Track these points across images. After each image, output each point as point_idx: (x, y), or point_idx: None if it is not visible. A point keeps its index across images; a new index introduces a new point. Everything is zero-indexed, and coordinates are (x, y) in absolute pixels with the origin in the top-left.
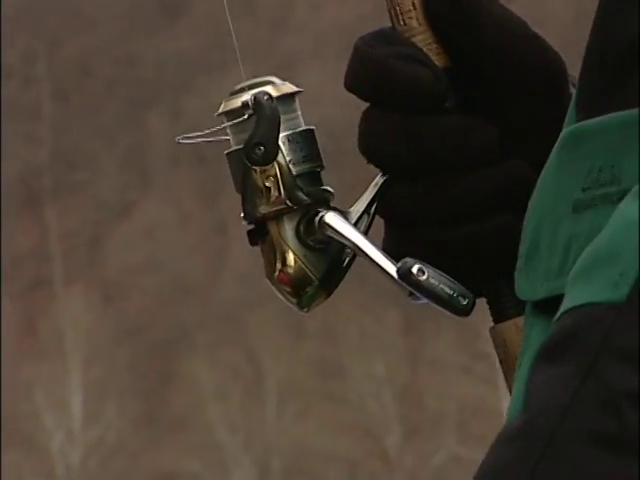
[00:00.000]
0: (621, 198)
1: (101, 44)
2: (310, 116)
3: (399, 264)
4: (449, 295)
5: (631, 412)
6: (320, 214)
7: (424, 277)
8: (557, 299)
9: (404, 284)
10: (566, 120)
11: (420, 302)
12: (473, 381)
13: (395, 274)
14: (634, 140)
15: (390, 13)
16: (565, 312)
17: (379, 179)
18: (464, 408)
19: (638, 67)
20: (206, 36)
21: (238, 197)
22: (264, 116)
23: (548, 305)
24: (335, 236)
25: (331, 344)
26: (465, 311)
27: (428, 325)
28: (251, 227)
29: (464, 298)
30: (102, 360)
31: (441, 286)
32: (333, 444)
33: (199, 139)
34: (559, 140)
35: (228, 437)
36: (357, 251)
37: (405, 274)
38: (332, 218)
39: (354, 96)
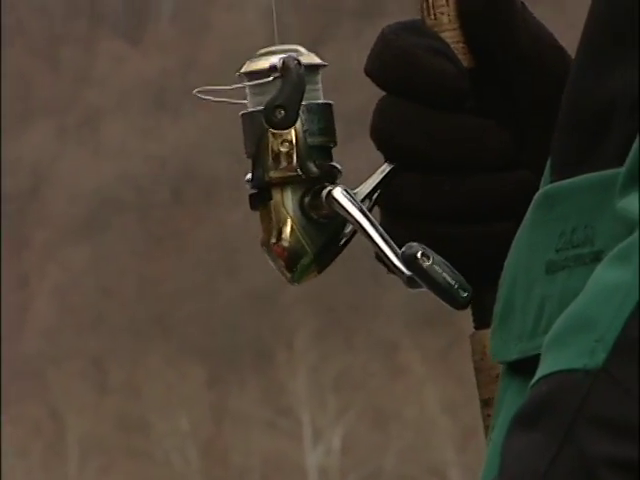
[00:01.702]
0: (594, 259)
1: None
2: (114, 169)
3: (404, 248)
4: (450, 285)
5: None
6: (328, 188)
7: (428, 263)
8: (531, 360)
9: (406, 269)
10: (542, 181)
11: (417, 290)
12: (277, 436)
13: (394, 258)
14: (608, 201)
15: (422, 6)
16: (541, 378)
17: (386, 167)
18: (268, 463)
19: (611, 128)
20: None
21: (41, 252)
22: (290, 80)
23: (522, 366)
24: (341, 212)
25: (135, 399)
26: (463, 304)
27: (232, 379)
28: (253, 192)
29: (464, 291)
30: None
31: (444, 275)
32: None
33: (216, 98)
34: (533, 200)
35: None
36: (360, 230)
37: (410, 258)
38: (340, 194)
39: (158, 150)
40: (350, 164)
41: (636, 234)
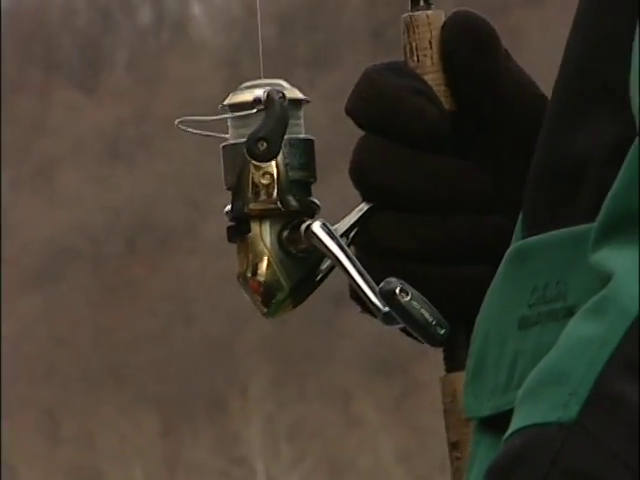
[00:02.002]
0: (567, 315)
1: None
2: (68, 219)
3: (382, 283)
4: (428, 322)
5: None
6: (307, 222)
7: (407, 299)
8: (503, 416)
9: (383, 305)
10: (514, 236)
11: (394, 326)
12: None
13: (371, 294)
14: (580, 256)
15: (405, 48)
16: (514, 432)
17: (364, 206)
18: None
19: (583, 184)
20: None
21: None
22: (274, 113)
23: (494, 422)
24: (319, 246)
25: (88, 449)
26: (440, 341)
27: (186, 429)
28: (232, 224)
29: (441, 327)
30: None
31: (422, 311)
32: None
33: (198, 132)
34: (505, 256)
35: None
36: (338, 265)
37: (388, 294)
38: (319, 228)
39: (113, 200)
40: None
41: (609, 287)
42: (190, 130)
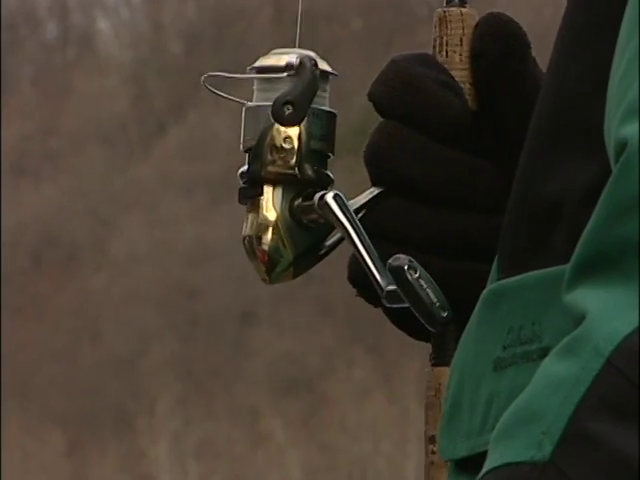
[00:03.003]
0: (542, 356)
1: None
2: None
3: (391, 259)
4: (432, 302)
5: None
6: (322, 192)
7: (415, 276)
8: (478, 457)
9: (389, 282)
10: (489, 279)
11: (395, 305)
12: None
13: (376, 271)
14: (555, 298)
15: (434, 42)
16: (489, 471)
17: (375, 189)
18: None
19: (558, 225)
20: None
21: None
22: (305, 78)
23: (470, 464)
24: (330, 217)
25: None
26: (441, 324)
27: (92, 447)
28: (244, 186)
29: (444, 310)
30: None
31: (427, 290)
32: None
33: (221, 94)
34: (481, 298)
35: None
36: (347, 239)
37: (397, 269)
38: (332, 199)
39: (18, 216)
40: (212, 232)
41: (582, 327)
42: (214, 90)
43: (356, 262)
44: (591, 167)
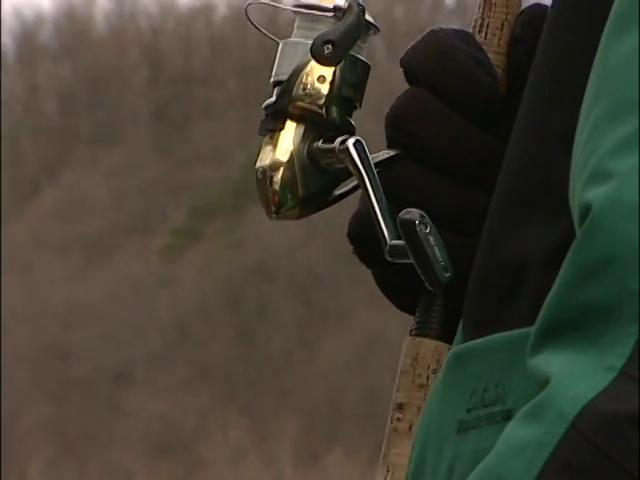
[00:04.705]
0: (505, 418)
1: None
2: None
3: (403, 212)
4: (437, 260)
5: None
6: (344, 137)
7: (426, 231)
8: None
9: (390, 238)
10: (454, 342)
11: (397, 260)
12: None
13: (384, 223)
14: (519, 360)
15: (475, 22)
16: None
17: (391, 151)
18: None
19: (522, 287)
20: None
21: None
22: (349, 21)
23: None
24: (348, 162)
25: None
26: (441, 284)
27: None
28: (266, 117)
29: (447, 271)
30: None
31: (435, 248)
32: None
33: (259, 27)
34: (445, 361)
35: None
36: (362, 186)
37: (408, 222)
38: (353, 145)
39: None
40: (86, 293)
41: (546, 391)
42: (254, 23)
43: (359, 217)
44: (556, 229)
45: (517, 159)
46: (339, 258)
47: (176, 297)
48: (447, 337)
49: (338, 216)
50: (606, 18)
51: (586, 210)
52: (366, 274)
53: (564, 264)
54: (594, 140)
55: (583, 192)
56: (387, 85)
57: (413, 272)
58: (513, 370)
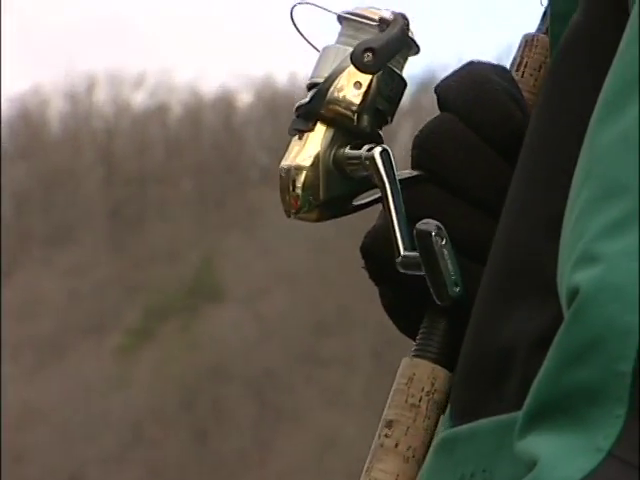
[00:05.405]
0: None
1: None
2: None
3: (421, 222)
4: (449, 274)
5: None
6: (371, 145)
7: (441, 243)
8: None
9: (404, 249)
10: (442, 425)
11: (409, 272)
12: None
13: (399, 234)
14: (506, 445)
15: (515, 61)
16: None
17: (415, 172)
18: None
19: (510, 373)
20: None
21: None
22: (393, 32)
23: None
24: (372, 170)
25: None
26: (450, 299)
27: None
28: (298, 117)
29: (456, 286)
30: None
31: (449, 262)
32: None
33: (302, 33)
34: (432, 446)
35: None
36: (382, 194)
37: (424, 233)
38: (379, 154)
39: None
40: (39, 394)
41: (533, 474)
42: (297, 27)
43: (375, 232)
44: (544, 313)
45: (502, 244)
46: (294, 357)
47: (130, 397)
48: (445, 362)
49: (291, 315)
50: (598, 90)
51: (574, 293)
52: (321, 373)
53: (552, 347)
54: (582, 223)
55: (571, 275)
56: None
57: (420, 293)
58: (501, 455)
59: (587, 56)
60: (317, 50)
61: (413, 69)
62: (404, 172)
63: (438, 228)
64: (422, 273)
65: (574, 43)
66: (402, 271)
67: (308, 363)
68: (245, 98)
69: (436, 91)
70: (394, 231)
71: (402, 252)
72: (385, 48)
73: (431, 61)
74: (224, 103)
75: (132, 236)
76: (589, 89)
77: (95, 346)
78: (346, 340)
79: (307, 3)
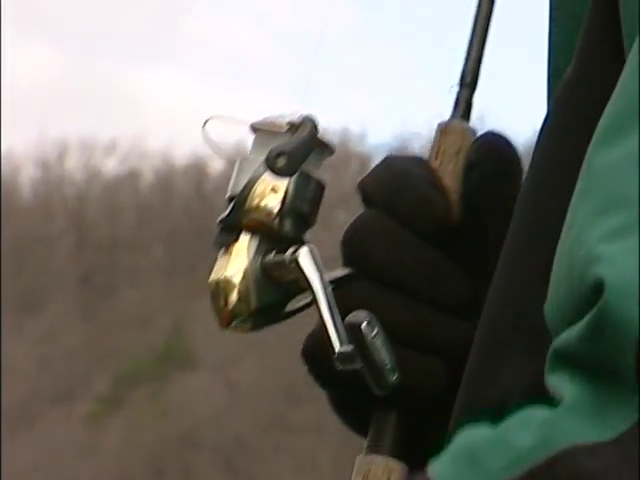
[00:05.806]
0: None
1: None
2: None
3: (351, 315)
4: (384, 364)
5: None
6: (295, 248)
7: (372, 334)
8: None
9: (340, 344)
10: None
11: (346, 368)
12: None
13: (333, 330)
14: None
15: (432, 150)
16: None
17: (346, 270)
18: None
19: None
20: None
21: None
22: (303, 134)
23: None
24: (299, 271)
25: None
26: (388, 387)
27: None
28: (221, 230)
29: (393, 373)
30: None
31: (382, 351)
32: None
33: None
34: None
35: None
36: (311, 293)
37: (354, 326)
38: (306, 253)
39: None
40: (10, 462)
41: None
42: (209, 141)
43: (314, 336)
44: (536, 367)
45: (497, 297)
46: (264, 424)
47: (100, 465)
48: (399, 453)
49: (261, 383)
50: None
51: (594, 290)
52: (291, 440)
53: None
54: (581, 236)
55: (587, 271)
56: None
57: (366, 389)
58: None
59: (576, 117)
60: (232, 161)
61: (384, 136)
62: (335, 272)
63: (369, 318)
64: (359, 366)
65: (564, 102)
66: (340, 368)
67: (278, 430)
68: (217, 165)
69: (358, 188)
70: (326, 330)
71: (336, 348)
72: (297, 150)
73: (403, 129)
74: (196, 170)
75: (103, 302)
76: (582, 144)
77: (65, 413)
78: (316, 407)
79: (219, 119)
